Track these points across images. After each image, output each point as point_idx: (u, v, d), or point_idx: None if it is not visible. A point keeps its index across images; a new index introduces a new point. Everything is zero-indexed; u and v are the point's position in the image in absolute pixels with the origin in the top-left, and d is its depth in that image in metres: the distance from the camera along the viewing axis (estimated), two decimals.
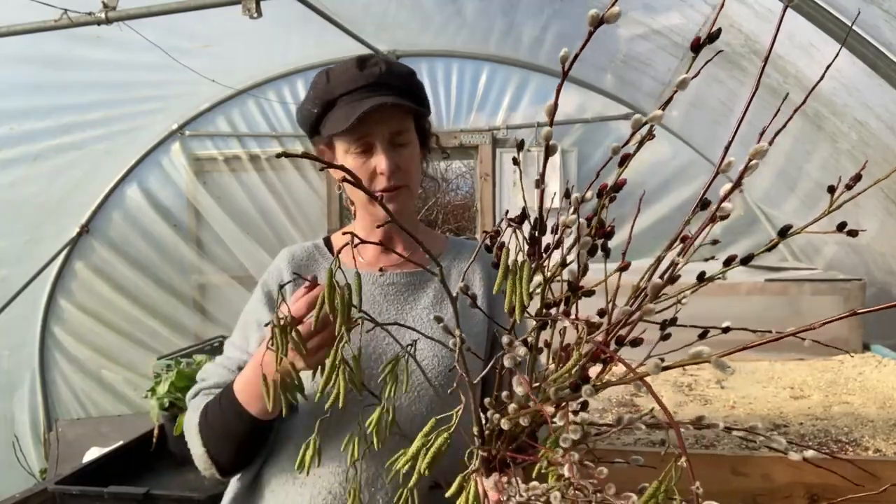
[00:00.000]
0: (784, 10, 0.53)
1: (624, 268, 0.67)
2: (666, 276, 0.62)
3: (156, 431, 2.03)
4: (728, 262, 0.63)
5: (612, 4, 0.55)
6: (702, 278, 0.63)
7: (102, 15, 2.06)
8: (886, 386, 1.92)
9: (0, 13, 2.12)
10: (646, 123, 0.61)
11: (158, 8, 2.12)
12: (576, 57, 0.58)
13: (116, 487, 1.73)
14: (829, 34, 1.58)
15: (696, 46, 0.59)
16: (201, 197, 3.81)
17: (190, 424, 1.05)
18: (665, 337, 0.66)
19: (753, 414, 1.75)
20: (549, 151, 0.64)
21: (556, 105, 0.61)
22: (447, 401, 0.81)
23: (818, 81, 0.60)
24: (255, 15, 1.98)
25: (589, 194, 0.66)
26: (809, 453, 0.59)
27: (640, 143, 0.63)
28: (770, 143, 0.58)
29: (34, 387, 3.74)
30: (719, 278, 0.64)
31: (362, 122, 1.02)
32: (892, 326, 2.46)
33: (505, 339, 0.67)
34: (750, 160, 0.57)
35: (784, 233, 0.61)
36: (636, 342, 0.66)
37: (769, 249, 0.64)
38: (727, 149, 0.60)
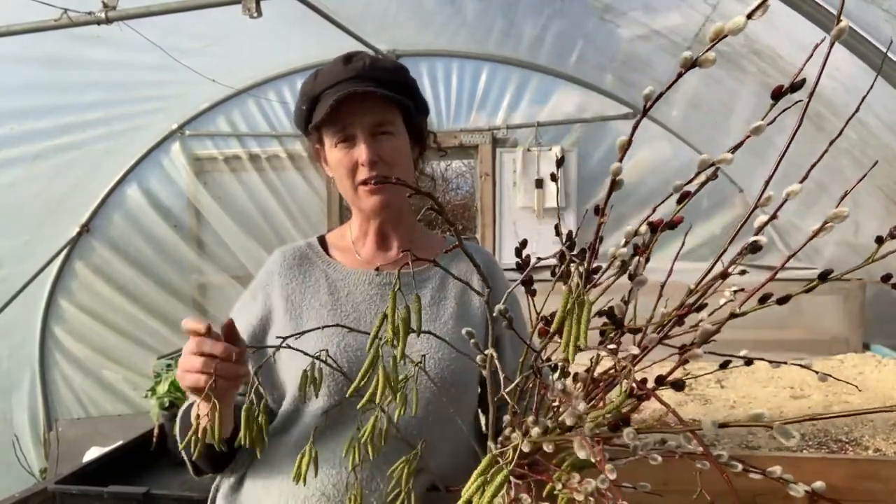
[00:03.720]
0: (831, 47, 0.53)
1: (636, 330, 0.66)
2: (717, 326, 0.61)
3: (156, 431, 2.03)
4: (764, 300, 0.63)
5: (707, 48, 0.53)
6: (734, 315, 0.63)
7: (102, 15, 2.05)
8: (886, 386, 1.92)
9: (0, 13, 2.12)
10: (712, 165, 0.60)
11: (158, 8, 2.12)
12: (660, 96, 0.57)
13: (116, 487, 1.73)
14: (829, 34, 1.58)
15: (778, 95, 0.58)
16: (201, 197, 3.81)
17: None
18: (684, 361, 0.66)
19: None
20: (613, 186, 0.64)
21: (629, 142, 0.60)
22: (444, 402, 0.81)
23: (854, 112, 0.60)
24: (255, 14, 1.98)
25: (643, 228, 0.65)
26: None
27: (702, 185, 0.63)
28: (804, 179, 0.58)
29: (34, 387, 3.74)
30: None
31: (342, 112, 1.02)
32: (892, 326, 2.46)
33: (558, 385, 0.65)
34: (785, 199, 0.57)
35: (824, 277, 0.61)
36: (678, 385, 0.65)
37: (808, 291, 0.63)
38: (767, 183, 0.59)
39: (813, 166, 0.58)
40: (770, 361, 0.69)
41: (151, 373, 2.26)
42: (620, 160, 0.60)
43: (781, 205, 0.59)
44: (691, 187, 0.62)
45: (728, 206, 3.21)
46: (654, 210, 0.66)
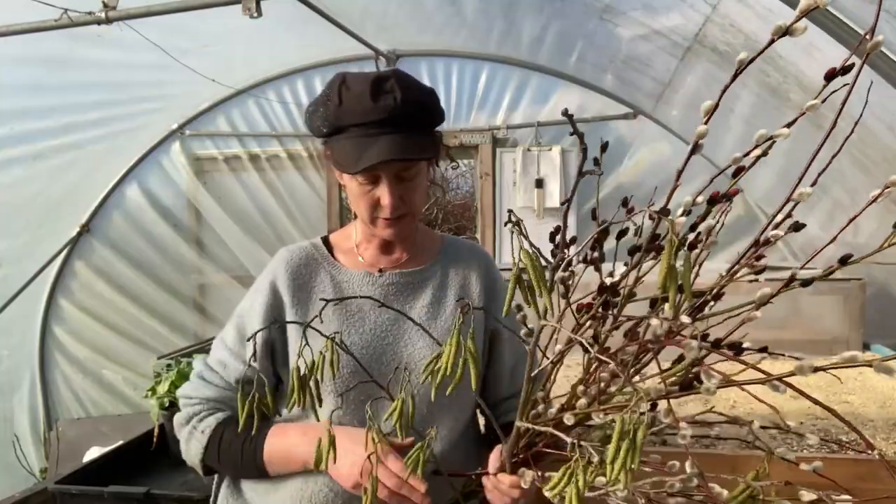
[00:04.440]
0: (861, 65, 0.53)
1: (700, 293, 0.68)
2: (776, 292, 0.64)
3: (156, 431, 2.03)
4: (789, 283, 0.64)
5: (797, 18, 0.54)
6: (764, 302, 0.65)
7: (102, 15, 2.05)
8: (886, 386, 1.92)
9: (0, 13, 2.12)
10: (770, 139, 0.61)
11: (158, 8, 2.12)
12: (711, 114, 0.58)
13: (116, 487, 1.73)
14: (830, 34, 1.58)
15: (831, 76, 0.59)
16: (201, 197, 3.81)
17: (191, 451, 1.10)
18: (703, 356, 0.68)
19: (754, 413, 1.74)
20: (695, 150, 0.64)
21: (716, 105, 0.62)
22: (442, 394, 0.84)
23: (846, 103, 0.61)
24: (255, 15, 1.98)
25: (701, 198, 0.68)
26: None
27: (757, 158, 0.64)
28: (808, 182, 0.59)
29: (34, 387, 3.74)
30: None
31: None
32: (892, 326, 2.46)
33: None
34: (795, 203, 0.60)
35: (844, 261, 0.62)
36: (735, 347, 0.67)
37: (827, 275, 0.65)
38: (786, 202, 0.60)
39: (819, 173, 0.58)
40: (796, 357, 0.70)
41: (151, 373, 2.26)
42: (706, 122, 0.60)
43: (791, 208, 0.59)
44: (747, 161, 0.63)
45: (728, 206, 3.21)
46: (711, 181, 0.69)
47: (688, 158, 0.63)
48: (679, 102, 2.98)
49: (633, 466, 0.60)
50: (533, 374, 0.76)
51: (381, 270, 1.15)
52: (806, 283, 0.63)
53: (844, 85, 0.56)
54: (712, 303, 0.68)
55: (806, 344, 2.33)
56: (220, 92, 3.54)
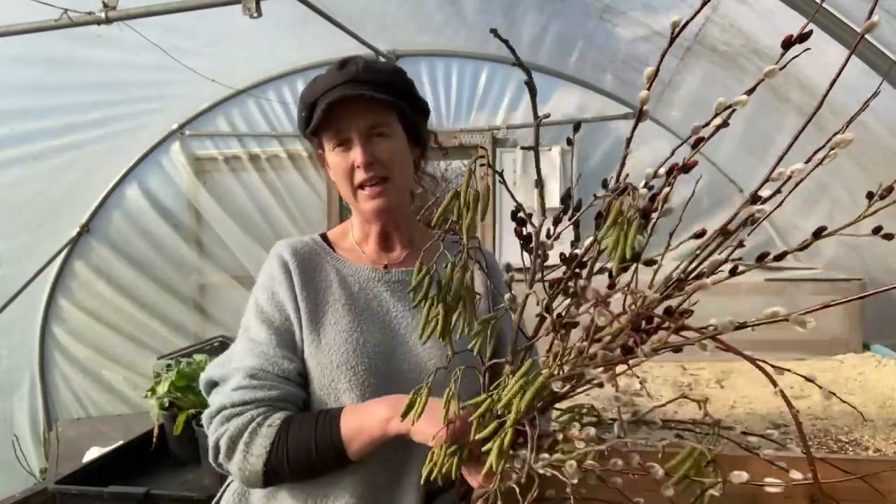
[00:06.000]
0: (848, 58, 0.53)
1: (651, 262, 0.68)
2: (726, 258, 0.66)
3: (156, 431, 2.03)
4: (761, 259, 0.65)
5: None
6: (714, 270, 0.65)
7: (102, 15, 2.05)
8: (886, 386, 1.92)
9: (0, 13, 2.12)
10: (729, 107, 0.63)
11: (158, 8, 2.12)
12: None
13: (116, 487, 1.73)
14: (830, 34, 1.58)
15: (788, 43, 0.60)
16: (201, 197, 3.81)
17: (253, 456, 0.98)
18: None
19: (754, 414, 1.75)
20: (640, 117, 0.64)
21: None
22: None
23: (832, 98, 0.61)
24: (255, 15, 1.98)
25: (662, 170, 0.72)
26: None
27: (717, 128, 0.64)
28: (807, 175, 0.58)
29: (34, 387, 3.74)
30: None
31: (337, 116, 1.03)
32: (892, 326, 2.46)
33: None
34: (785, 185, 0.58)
35: (818, 234, 0.62)
36: (687, 312, 0.67)
37: (800, 249, 0.65)
38: (766, 180, 0.60)
39: (812, 166, 0.58)
40: (773, 366, 0.69)
41: (151, 373, 2.26)
42: (648, 89, 0.61)
43: (784, 196, 0.59)
44: (707, 132, 0.64)
45: (728, 205, 3.21)
46: (673, 152, 0.72)
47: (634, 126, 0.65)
48: (679, 103, 2.98)
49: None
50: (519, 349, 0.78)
51: (386, 267, 1.14)
52: (779, 256, 0.63)
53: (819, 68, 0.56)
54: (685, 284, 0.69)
55: (806, 344, 2.33)
56: (219, 92, 3.54)
